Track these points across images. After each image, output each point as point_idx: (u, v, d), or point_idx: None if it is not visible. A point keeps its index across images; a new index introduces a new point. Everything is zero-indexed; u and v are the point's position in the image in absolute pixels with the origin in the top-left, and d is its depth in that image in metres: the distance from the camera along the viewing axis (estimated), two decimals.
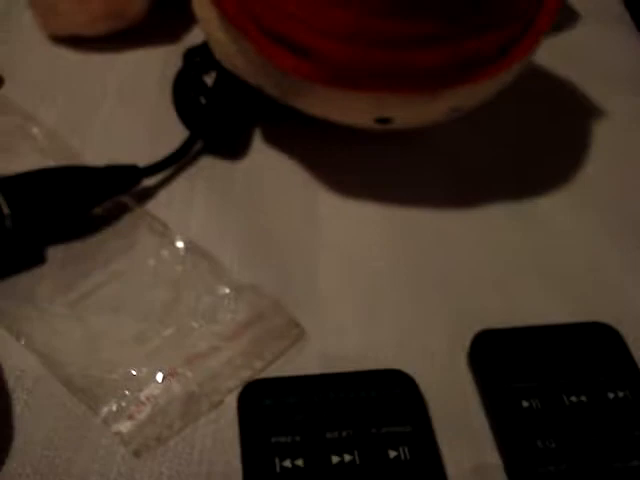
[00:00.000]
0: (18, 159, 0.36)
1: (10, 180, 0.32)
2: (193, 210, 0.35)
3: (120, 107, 0.40)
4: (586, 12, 0.49)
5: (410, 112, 0.32)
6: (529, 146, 0.39)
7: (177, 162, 0.35)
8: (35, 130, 0.38)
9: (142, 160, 0.35)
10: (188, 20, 0.44)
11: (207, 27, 0.33)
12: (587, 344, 0.31)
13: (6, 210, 0.31)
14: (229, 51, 0.33)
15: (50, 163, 0.35)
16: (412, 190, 0.37)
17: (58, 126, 0.38)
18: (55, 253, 0.33)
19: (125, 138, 0.38)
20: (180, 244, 0.33)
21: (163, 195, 0.35)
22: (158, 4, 0.43)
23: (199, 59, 0.37)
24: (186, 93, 0.37)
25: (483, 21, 0.29)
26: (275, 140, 0.38)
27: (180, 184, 0.36)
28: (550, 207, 0.37)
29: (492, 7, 0.29)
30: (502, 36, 0.30)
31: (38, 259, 0.32)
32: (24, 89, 0.41)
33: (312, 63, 0.30)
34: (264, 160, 0.37)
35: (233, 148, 0.38)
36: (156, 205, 0.35)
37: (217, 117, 0.36)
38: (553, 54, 0.44)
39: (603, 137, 0.40)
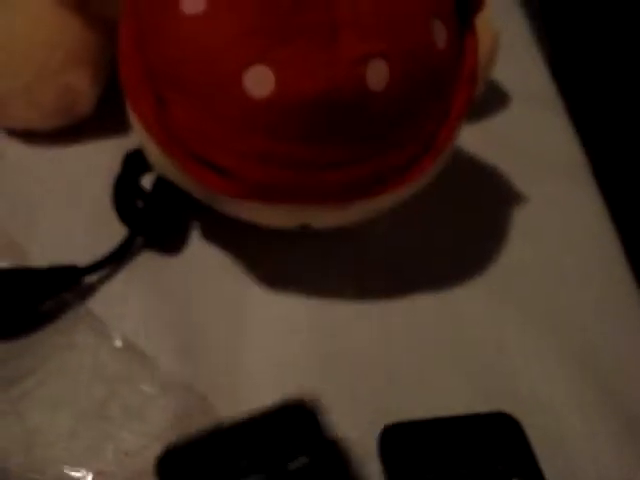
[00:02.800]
0: None
1: None
2: (130, 304, 0.38)
3: (67, 202, 0.42)
4: (517, 94, 0.51)
5: (326, 219, 0.36)
6: (451, 234, 0.42)
7: (116, 261, 0.38)
8: None
9: (85, 256, 0.38)
10: None
11: (140, 137, 0.36)
12: (489, 434, 0.34)
13: None
14: (160, 161, 0.36)
15: None
16: (332, 283, 0.39)
17: (5, 220, 0.41)
18: None
19: (69, 233, 0.41)
20: (117, 343, 0.35)
21: (102, 290, 0.38)
22: (106, 99, 0.46)
23: (137, 162, 0.39)
24: (125, 196, 0.39)
25: (388, 143, 0.32)
26: (210, 235, 0.41)
27: (118, 279, 0.39)
28: (466, 296, 0.39)
29: (396, 131, 0.32)
30: (407, 154, 0.33)
31: None
32: None
33: (231, 181, 0.33)
34: (199, 254, 0.40)
35: (169, 243, 0.40)
36: (95, 300, 0.37)
37: (155, 217, 0.39)
38: (481, 137, 0.47)
39: (522, 224, 0.43)
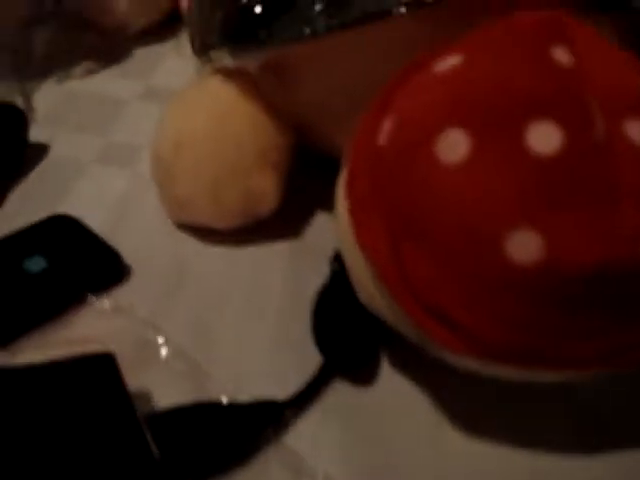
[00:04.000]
0: (147, 378, 0.36)
1: (159, 417, 0.33)
2: (324, 439, 0.35)
3: (245, 314, 0.41)
4: None
5: (548, 378, 0.33)
6: None
7: (314, 394, 0.36)
8: (163, 345, 0.38)
9: (270, 379, 0.37)
10: (313, 217, 0.45)
11: (355, 272, 0.34)
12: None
13: (155, 451, 0.31)
14: (377, 301, 0.34)
15: (179, 383, 0.36)
16: (537, 432, 0.37)
17: (183, 335, 0.39)
18: None
19: (251, 351, 0.39)
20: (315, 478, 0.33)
21: (294, 424, 0.36)
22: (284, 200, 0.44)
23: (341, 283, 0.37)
24: (326, 319, 0.37)
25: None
26: (403, 367, 0.39)
27: (310, 412, 0.36)
28: None
29: None
30: None
31: None
32: (151, 283, 0.42)
33: (465, 339, 0.30)
34: (391, 388, 0.38)
35: (362, 373, 0.38)
36: (289, 435, 0.35)
37: (353, 345, 0.37)
38: None
39: None
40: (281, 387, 0.36)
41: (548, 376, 0.32)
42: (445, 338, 0.31)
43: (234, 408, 0.34)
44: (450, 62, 0.31)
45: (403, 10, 0.34)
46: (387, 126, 0.32)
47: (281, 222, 0.45)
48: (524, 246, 0.28)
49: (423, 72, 0.32)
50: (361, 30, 0.35)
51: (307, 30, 0.36)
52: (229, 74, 0.44)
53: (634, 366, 0.31)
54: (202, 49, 0.43)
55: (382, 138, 0.31)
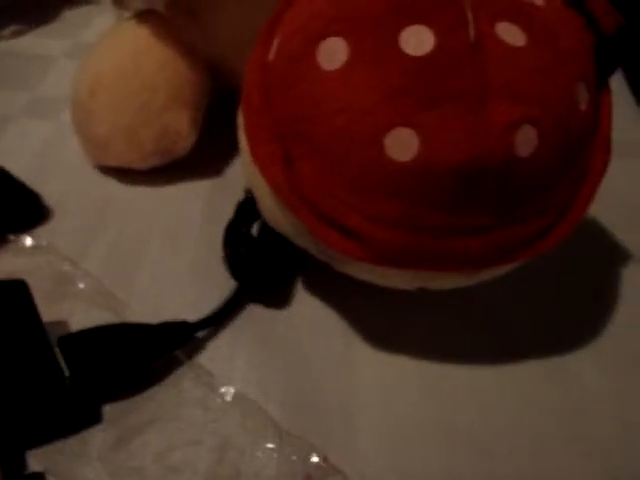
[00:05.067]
0: (64, 309, 0.37)
1: (69, 339, 0.33)
2: (235, 360, 0.36)
3: (165, 249, 0.42)
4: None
5: (448, 284, 0.34)
6: (565, 297, 0.40)
7: (226, 316, 0.37)
8: (80, 277, 0.39)
9: (187, 307, 0.37)
10: (231, 154, 0.46)
11: (256, 191, 0.35)
12: None
13: (66, 372, 0.32)
14: (278, 218, 0.34)
15: (95, 313, 0.37)
16: (445, 341, 0.38)
17: (104, 269, 0.40)
18: (107, 409, 0.34)
19: (170, 282, 0.40)
20: (228, 397, 0.34)
21: (208, 345, 0.37)
22: (202, 138, 0.45)
23: (249, 211, 0.38)
24: (235, 247, 0.38)
25: (526, 212, 0.31)
26: (314, 287, 0.40)
27: (223, 333, 0.37)
28: (579, 365, 0.38)
29: (535, 199, 0.31)
30: (542, 223, 0.32)
31: (94, 418, 0.33)
32: (72, 222, 0.43)
33: (360, 244, 0.31)
34: (303, 309, 0.39)
35: (275, 296, 0.39)
36: (201, 355, 0.36)
37: (263, 268, 0.37)
38: None
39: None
40: (198, 314, 0.37)
41: (442, 280, 0.34)
42: (340, 245, 0.32)
43: (145, 328, 0.35)
44: None
45: None
46: (275, 43, 0.32)
47: (200, 161, 0.46)
48: (401, 145, 0.29)
49: None
50: None
51: None
52: (143, 18, 0.44)
53: (517, 262, 0.32)
54: None
55: (271, 54, 0.32)
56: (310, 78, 0.30)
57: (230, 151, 0.46)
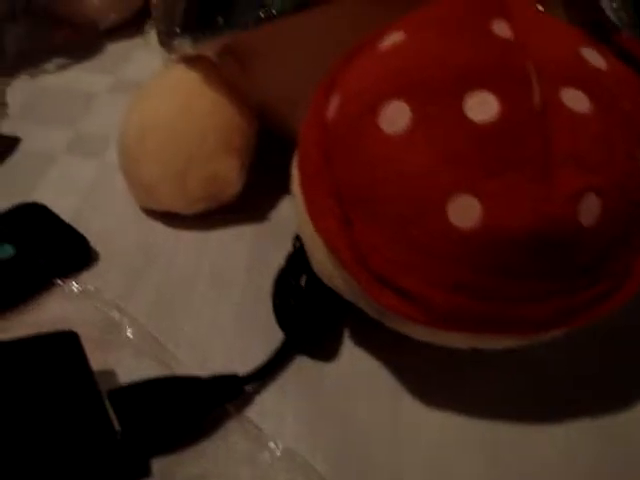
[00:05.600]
0: (112, 357, 0.37)
1: (120, 392, 0.33)
2: (283, 414, 0.36)
3: (210, 295, 0.41)
4: None
5: (503, 344, 0.34)
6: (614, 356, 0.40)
7: (275, 368, 0.37)
8: (127, 325, 0.39)
9: (233, 357, 0.37)
10: (277, 198, 0.46)
11: (307, 243, 0.35)
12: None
13: (117, 426, 0.32)
14: (330, 272, 0.34)
15: (143, 362, 0.37)
16: (498, 399, 0.38)
17: (149, 316, 0.40)
18: (156, 463, 0.34)
19: (216, 331, 0.40)
20: (276, 450, 0.34)
21: (256, 398, 0.37)
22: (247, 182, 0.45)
23: (299, 262, 0.38)
24: (285, 298, 0.38)
25: (587, 278, 0.31)
26: (363, 340, 0.39)
27: (272, 387, 0.37)
28: (630, 422, 0.37)
29: (597, 266, 0.31)
30: (601, 288, 0.31)
31: (143, 472, 0.33)
32: (118, 266, 0.43)
33: (416, 306, 0.31)
34: (352, 362, 0.39)
35: (322, 348, 0.39)
36: (250, 409, 0.36)
37: (312, 322, 0.37)
38: None
39: None
40: (245, 365, 0.37)
41: (499, 342, 0.33)
42: (396, 306, 0.31)
43: (195, 382, 0.35)
44: (393, 39, 0.32)
45: None
46: (335, 101, 0.32)
47: (246, 206, 0.46)
48: (464, 212, 0.29)
49: (367, 49, 0.33)
50: (311, 13, 0.36)
51: (261, 14, 0.37)
52: (192, 62, 0.45)
53: (581, 326, 0.32)
54: (166, 39, 0.44)
55: (330, 113, 0.32)
56: (371, 141, 0.30)
57: (276, 195, 0.46)
